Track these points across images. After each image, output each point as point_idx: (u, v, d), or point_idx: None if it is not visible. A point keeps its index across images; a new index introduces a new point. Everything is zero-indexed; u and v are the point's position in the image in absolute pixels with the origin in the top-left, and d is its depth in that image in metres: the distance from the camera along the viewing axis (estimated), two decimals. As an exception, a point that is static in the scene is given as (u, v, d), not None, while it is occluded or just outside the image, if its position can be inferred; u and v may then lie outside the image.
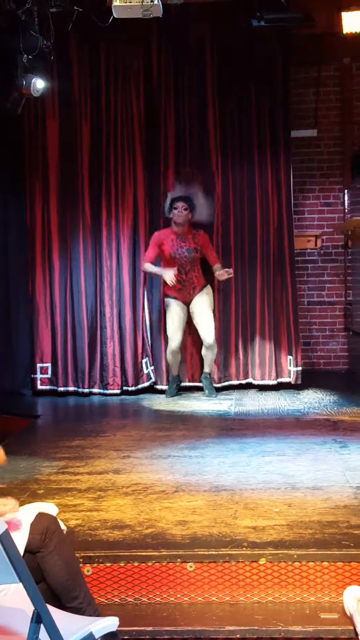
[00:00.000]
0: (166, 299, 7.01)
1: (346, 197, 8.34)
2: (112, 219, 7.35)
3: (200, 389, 7.14)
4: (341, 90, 8.37)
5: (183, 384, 7.26)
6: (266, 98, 7.29)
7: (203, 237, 6.94)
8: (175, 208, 6.84)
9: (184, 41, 7.23)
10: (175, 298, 6.92)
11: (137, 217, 7.36)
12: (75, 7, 5.69)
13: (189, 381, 7.31)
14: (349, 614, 3.13)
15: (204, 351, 6.97)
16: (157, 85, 7.31)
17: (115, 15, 5.14)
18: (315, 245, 8.25)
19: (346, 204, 8.35)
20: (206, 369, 7.06)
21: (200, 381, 7.19)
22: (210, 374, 7.09)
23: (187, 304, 6.95)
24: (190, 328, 7.09)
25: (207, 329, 6.87)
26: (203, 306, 6.91)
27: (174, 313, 6.92)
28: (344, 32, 6.24)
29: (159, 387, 7.31)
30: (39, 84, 6.16)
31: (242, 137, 7.33)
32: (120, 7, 5.07)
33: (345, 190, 8.33)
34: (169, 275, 6.73)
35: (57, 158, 7.40)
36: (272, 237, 7.35)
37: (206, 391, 7.02)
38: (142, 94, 7.31)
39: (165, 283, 6.87)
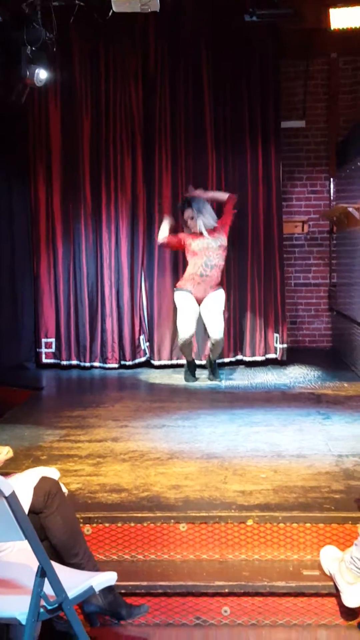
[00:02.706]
0: (178, 292, 6.51)
1: (332, 185, 8.33)
2: (111, 204, 7.33)
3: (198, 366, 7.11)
4: (328, 83, 8.34)
5: (179, 361, 7.25)
6: (258, 90, 7.25)
7: (220, 225, 6.49)
8: (185, 218, 6.46)
9: (179, 35, 7.17)
10: (188, 292, 6.43)
11: (136, 202, 7.33)
12: (76, 1, 5.64)
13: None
14: (328, 573, 3.16)
15: (210, 345, 6.56)
16: (154, 78, 7.26)
17: (114, 9, 5.08)
18: (303, 230, 8.26)
19: (332, 191, 8.34)
20: (212, 357, 6.64)
21: (198, 358, 7.15)
22: (215, 361, 6.67)
23: (199, 302, 6.46)
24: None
25: (215, 327, 6.39)
26: (215, 306, 6.42)
27: (186, 303, 6.44)
28: (332, 27, 6.18)
29: (154, 362, 7.33)
30: (42, 74, 6.10)
31: (235, 127, 7.30)
32: (120, 1, 5.02)
33: (331, 179, 8.32)
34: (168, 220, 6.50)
35: (60, 147, 7.36)
36: (262, 222, 7.34)
37: (210, 375, 6.63)
38: (140, 86, 7.27)
39: (182, 277, 6.52)
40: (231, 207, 6.54)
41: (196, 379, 6.64)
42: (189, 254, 6.49)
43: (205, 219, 6.41)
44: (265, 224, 7.34)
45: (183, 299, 6.47)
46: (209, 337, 6.49)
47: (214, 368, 6.67)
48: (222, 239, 6.45)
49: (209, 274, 6.41)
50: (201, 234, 6.38)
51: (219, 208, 6.64)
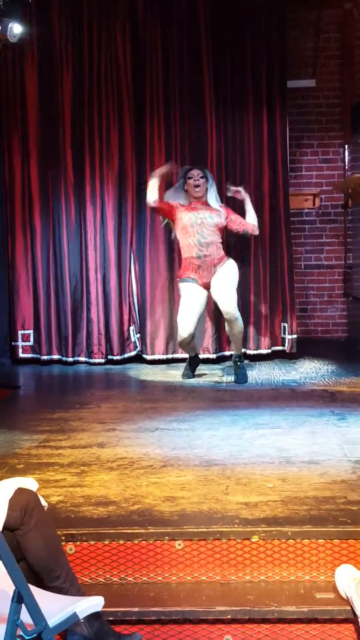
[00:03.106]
0: (182, 283, 6.42)
1: (346, 153, 8.30)
2: (96, 176, 7.30)
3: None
4: (341, 37, 8.29)
5: (175, 355, 7.24)
6: (261, 45, 7.23)
7: (228, 211, 6.46)
8: (190, 177, 6.36)
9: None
10: (193, 280, 6.34)
11: (124, 174, 7.31)
12: None
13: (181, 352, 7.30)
14: (344, 596, 3.16)
15: (227, 327, 6.40)
16: (144, 33, 7.24)
17: None
18: (313, 204, 8.21)
19: (346, 160, 8.31)
20: (235, 350, 6.47)
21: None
22: (240, 356, 6.45)
23: (207, 287, 6.36)
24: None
25: (225, 298, 6.24)
26: (224, 279, 6.32)
27: (190, 295, 6.32)
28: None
29: (146, 356, 7.32)
30: (16, 28, 6.04)
31: (236, 87, 7.27)
32: None
33: (346, 146, 8.29)
34: (167, 166, 6.52)
35: (37, 111, 7.34)
36: (267, 196, 7.31)
37: (235, 376, 6.40)
38: (129, 42, 7.24)
39: (181, 265, 6.49)
40: (240, 232, 6.52)
41: (193, 377, 6.61)
42: (180, 231, 6.41)
43: (213, 192, 6.40)
44: (271, 197, 7.32)
45: (188, 291, 6.35)
46: (222, 312, 6.34)
47: (240, 367, 6.42)
48: (221, 219, 6.39)
49: (206, 252, 6.32)
50: (200, 202, 6.35)
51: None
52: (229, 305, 6.25)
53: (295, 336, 7.35)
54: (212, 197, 6.41)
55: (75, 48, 7.26)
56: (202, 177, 6.37)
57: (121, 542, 3.38)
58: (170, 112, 7.27)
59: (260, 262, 7.32)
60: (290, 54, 7.64)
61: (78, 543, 3.38)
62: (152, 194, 6.40)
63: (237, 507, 3.60)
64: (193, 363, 6.67)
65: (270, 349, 7.34)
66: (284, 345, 7.35)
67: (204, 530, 3.39)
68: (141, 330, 7.38)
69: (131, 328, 7.41)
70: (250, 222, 6.47)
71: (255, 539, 3.36)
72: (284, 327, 7.35)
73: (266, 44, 7.24)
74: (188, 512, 3.57)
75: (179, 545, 3.37)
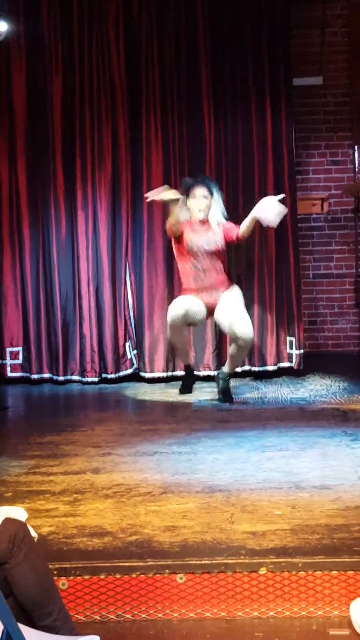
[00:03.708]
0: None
1: (356, 154, 8.32)
2: (87, 182, 7.32)
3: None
4: (349, 31, 8.32)
5: (175, 372, 7.22)
6: (264, 41, 7.26)
7: (225, 228, 6.27)
8: (193, 197, 6.22)
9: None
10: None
11: (117, 178, 7.32)
12: None
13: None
14: (360, 631, 3.13)
15: (233, 350, 6.21)
16: (138, 28, 7.27)
17: None
18: (322, 209, 8.23)
19: (356, 161, 8.33)
20: (226, 369, 6.41)
21: (197, 369, 7.14)
22: (229, 375, 6.41)
23: (209, 309, 6.24)
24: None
25: (240, 319, 6.03)
26: (234, 300, 6.19)
27: (188, 297, 6.20)
28: None
29: (144, 374, 7.31)
30: (2, 26, 6.10)
31: (237, 85, 7.30)
32: None
33: (356, 146, 8.31)
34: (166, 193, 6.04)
35: (25, 113, 7.37)
36: (272, 201, 7.32)
37: (222, 396, 6.36)
38: (122, 38, 7.28)
39: (182, 287, 6.35)
40: (234, 240, 6.29)
41: (190, 392, 6.58)
42: (177, 253, 6.31)
43: (218, 207, 6.28)
44: (276, 202, 7.32)
45: (186, 296, 6.23)
46: (233, 337, 6.09)
47: (228, 386, 6.40)
48: (219, 239, 6.23)
49: (204, 278, 6.21)
50: (203, 223, 6.23)
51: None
52: (246, 327, 6.02)
53: (303, 351, 7.34)
54: (217, 212, 6.25)
55: (65, 45, 7.29)
56: (205, 197, 6.21)
57: (118, 576, 3.36)
58: (167, 112, 7.29)
59: (265, 271, 7.32)
60: (295, 49, 7.66)
61: (71, 577, 3.36)
62: (175, 216, 6.09)
63: (243, 536, 3.58)
64: (189, 377, 6.64)
65: (276, 365, 7.33)
66: (291, 361, 7.34)
67: (207, 562, 3.37)
68: (138, 346, 7.37)
69: (127, 344, 7.40)
70: (242, 233, 6.19)
71: (263, 571, 3.34)
72: (291, 341, 7.34)
73: (269, 39, 7.26)
74: (190, 542, 3.55)
75: (181, 579, 3.35)
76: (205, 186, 6.24)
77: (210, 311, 6.26)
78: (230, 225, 6.28)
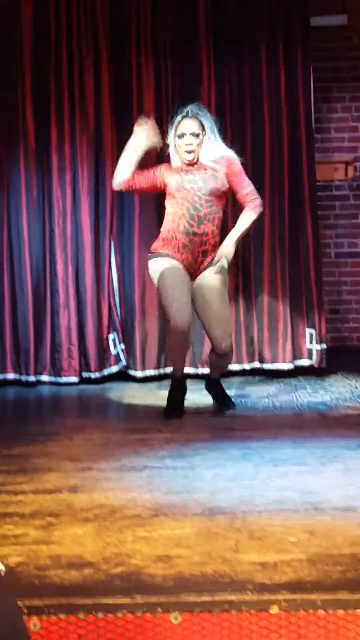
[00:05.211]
0: (154, 259, 6.10)
1: (388, 109, 8.34)
2: (65, 142, 7.33)
3: (188, 375, 7.08)
4: None
5: (165, 370, 7.24)
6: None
7: (229, 162, 6.08)
8: (181, 136, 6.02)
9: None
10: (173, 257, 6.03)
11: (100, 137, 7.34)
12: None
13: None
14: None
15: (213, 357, 6.24)
16: None
17: None
18: (346, 175, 8.22)
19: (388, 117, 8.34)
20: (213, 375, 6.40)
21: (193, 365, 7.16)
22: (219, 379, 6.41)
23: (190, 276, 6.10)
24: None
25: (219, 325, 6.01)
26: (214, 291, 6.02)
27: (172, 270, 5.98)
28: None
29: (134, 373, 7.32)
30: None
31: (243, 26, 7.30)
32: None
33: (388, 99, 8.32)
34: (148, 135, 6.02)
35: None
36: (286, 165, 7.36)
37: (221, 402, 6.34)
38: None
39: (158, 237, 6.14)
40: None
41: (183, 413, 6.21)
42: (168, 198, 6.12)
43: (213, 142, 6.05)
44: (291, 166, 7.36)
45: (164, 265, 6.01)
46: (209, 339, 6.17)
47: (222, 391, 6.39)
48: (220, 179, 6.03)
49: (197, 230, 5.98)
50: (192, 164, 6.03)
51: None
52: (223, 335, 6.01)
53: (324, 346, 7.36)
54: (211, 149, 6.02)
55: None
56: (196, 136, 6.00)
57: (100, 615, 3.36)
58: (159, 58, 7.31)
59: (277, 250, 7.34)
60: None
61: (44, 617, 3.36)
62: (121, 172, 6.13)
63: (251, 568, 3.58)
64: (178, 390, 6.24)
65: (292, 362, 7.34)
66: (310, 358, 7.36)
67: (207, 599, 3.37)
68: (127, 339, 7.37)
69: (111, 336, 7.40)
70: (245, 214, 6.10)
71: (274, 610, 3.34)
72: (310, 334, 7.36)
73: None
74: (187, 575, 3.55)
75: (176, 619, 3.35)
76: (194, 117, 6.04)
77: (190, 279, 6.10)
78: (238, 178, 6.09)
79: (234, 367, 7.25)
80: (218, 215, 6.08)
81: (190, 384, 6.74)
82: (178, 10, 7.30)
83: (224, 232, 6.18)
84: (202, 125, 6.04)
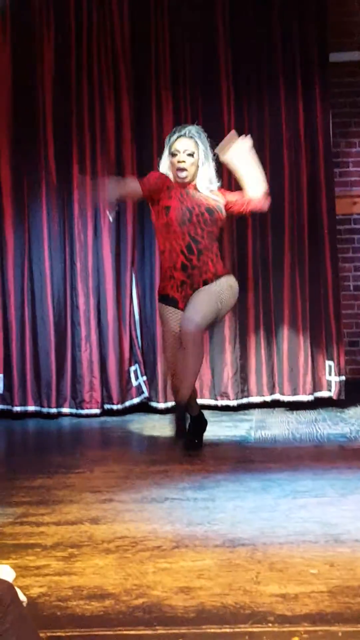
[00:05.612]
0: (161, 304, 5.93)
1: None
2: (86, 174, 7.35)
3: (208, 407, 7.10)
4: None
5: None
6: (295, 8, 7.31)
7: (222, 192, 5.93)
8: (174, 154, 5.77)
9: None
10: (173, 300, 5.79)
11: (121, 169, 7.38)
12: None
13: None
14: None
15: (180, 355, 5.76)
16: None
17: None
18: (364, 208, 8.25)
19: None
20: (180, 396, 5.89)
21: (212, 397, 7.16)
22: (187, 401, 5.92)
23: None
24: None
25: (191, 307, 5.68)
26: (204, 289, 5.75)
27: (171, 329, 5.81)
28: None
29: (155, 404, 7.33)
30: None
31: (263, 61, 7.37)
32: None
33: None
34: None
35: (9, 94, 7.48)
36: (305, 198, 7.39)
37: (188, 428, 6.00)
38: (126, 4, 7.33)
39: (161, 276, 5.96)
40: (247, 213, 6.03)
41: (187, 434, 6.02)
42: (161, 226, 5.82)
43: (207, 170, 5.81)
44: (310, 200, 7.39)
45: (168, 318, 5.83)
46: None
47: (180, 415, 5.89)
48: (220, 209, 5.83)
49: (196, 263, 5.75)
50: (187, 186, 5.82)
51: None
52: (189, 314, 5.63)
53: (344, 378, 7.35)
54: (205, 177, 5.81)
55: (58, 12, 7.39)
56: (190, 155, 5.76)
57: (122, 646, 3.36)
58: (178, 94, 7.36)
59: (298, 282, 7.35)
60: (332, 19, 7.71)
61: (66, 648, 3.36)
62: (126, 184, 6.00)
63: (272, 600, 3.57)
64: (182, 414, 5.92)
65: (312, 394, 7.34)
66: (329, 390, 7.35)
67: (228, 630, 3.36)
68: (149, 371, 7.38)
69: (132, 368, 7.42)
70: (253, 194, 5.86)
71: (295, 641, 3.34)
72: (330, 366, 7.36)
73: (300, 7, 7.32)
74: (208, 607, 3.54)
75: (197, 650, 3.34)
76: (189, 138, 5.80)
77: None
78: (234, 196, 5.89)
79: (254, 399, 7.28)
80: (215, 245, 5.90)
81: (209, 416, 6.77)
82: (198, 42, 7.38)
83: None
84: (197, 144, 5.80)
